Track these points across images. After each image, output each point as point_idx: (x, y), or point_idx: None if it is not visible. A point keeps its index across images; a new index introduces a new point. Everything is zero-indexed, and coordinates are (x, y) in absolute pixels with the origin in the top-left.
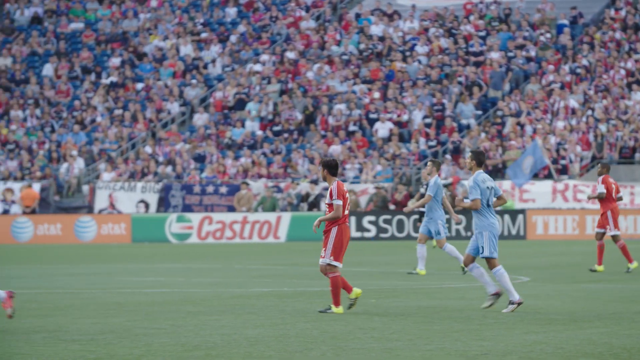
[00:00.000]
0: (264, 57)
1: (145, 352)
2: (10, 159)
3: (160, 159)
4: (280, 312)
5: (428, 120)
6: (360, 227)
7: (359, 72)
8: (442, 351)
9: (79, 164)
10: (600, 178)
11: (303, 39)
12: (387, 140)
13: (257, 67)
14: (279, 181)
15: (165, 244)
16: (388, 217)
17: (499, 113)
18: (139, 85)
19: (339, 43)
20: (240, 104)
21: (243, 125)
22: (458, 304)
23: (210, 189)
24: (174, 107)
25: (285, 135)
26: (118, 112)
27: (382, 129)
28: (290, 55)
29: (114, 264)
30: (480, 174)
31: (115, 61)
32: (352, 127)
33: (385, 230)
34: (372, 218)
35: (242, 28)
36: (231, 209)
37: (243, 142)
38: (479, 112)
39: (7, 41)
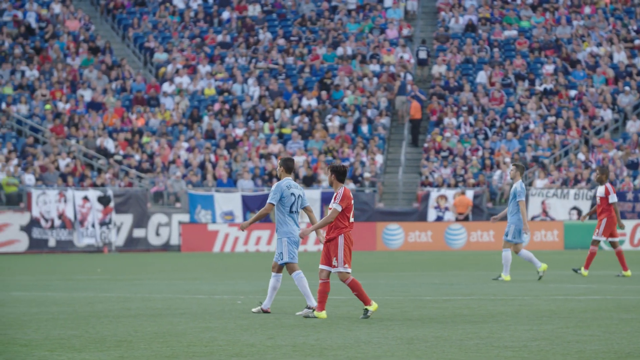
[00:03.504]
0: None
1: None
2: (444, 166)
3: (593, 165)
4: None
5: None
6: None
7: None
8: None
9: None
10: (609, 186)
11: None
12: None
13: None
14: None
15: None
16: None
17: None
18: (572, 93)
19: None
20: None
21: None
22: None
23: None
24: (607, 114)
25: None
26: (551, 119)
27: None
28: None
29: (547, 271)
30: (287, 180)
31: (548, 68)
32: None
33: None
34: None
35: None
36: None
37: None
38: None
39: (442, 49)
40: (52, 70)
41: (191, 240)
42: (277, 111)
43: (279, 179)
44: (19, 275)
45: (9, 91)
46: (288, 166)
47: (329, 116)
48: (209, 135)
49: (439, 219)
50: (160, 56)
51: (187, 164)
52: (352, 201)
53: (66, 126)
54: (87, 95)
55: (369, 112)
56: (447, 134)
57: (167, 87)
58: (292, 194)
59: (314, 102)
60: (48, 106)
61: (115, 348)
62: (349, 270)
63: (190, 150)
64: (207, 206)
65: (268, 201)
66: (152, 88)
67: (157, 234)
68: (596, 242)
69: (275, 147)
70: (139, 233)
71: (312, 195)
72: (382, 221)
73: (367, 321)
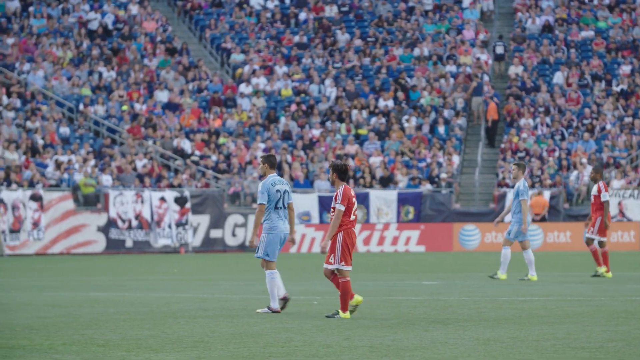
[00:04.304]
0: None
1: None
2: None
3: None
4: None
5: None
6: None
7: None
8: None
9: (588, 171)
10: (602, 184)
11: None
12: None
13: None
14: None
15: None
16: None
17: None
18: None
19: None
20: None
21: None
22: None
23: None
24: None
25: None
26: (628, 119)
27: None
28: None
29: (624, 272)
30: (272, 177)
31: (625, 69)
32: None
33: None
34: None
35: None
36: None
37: None
38: None
39: (519, 49)
40: (130, 72)
41: None
42: (354, 112)
43: (263, 177)
44: (96, 275)
45: (86, 92)
46: (272, 162)
47: (405, 117)
48: (286, 136)
49: None
50: (237, 57)
51: None
52: (354, 199)
53: (143, 127)
54: (164, 96)
55: (446, 113)
56: (524, 135)
57: (244, 88)
58: (278, 190)
59: (390, 103)
60: (125, 107)
61: (192, 348)
62: (347, 268)
63: (267, 150)
64: None
65: (258, 202)
66: (229, 89)
67: (234, 234)
68: (591, 241)
69: (352, 148)
70: (215, 234)
71: (389, 196)
72: (459, 222)
73: (444, 322)
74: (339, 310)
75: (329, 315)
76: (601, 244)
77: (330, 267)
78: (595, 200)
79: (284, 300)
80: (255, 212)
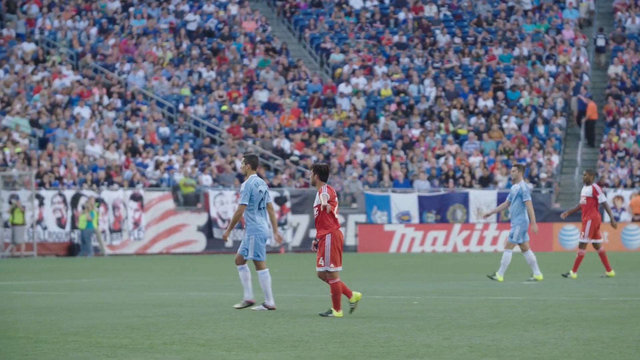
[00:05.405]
0: None
1: None
2: (621, 167)
3: None
4: None
5: None
6: None
7: None
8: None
9: None
10: (597, 186)
11: None
12: None
13: None
14: None
15: None
16: None
17: None
18: None
19: None
20: None
21: None
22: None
23: None
24: None
25: None
26: None
27: None
28: None
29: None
30: (254, 178)
31: None
32: None
33: None
34: None
35: None
36: None
37: None
38: None
39: (619, 49)
40: (229, 71)
41: (367, 241)
42: (454, 111)
43: (244, 177)
44: (196, 275)
45: (186, 92)
46: (254, 163)
47: (504, 117)
48: (385, 135)
49: (616, 219)
50: (336, 57)
51: (363, 165)
52: (336, 198)
53: (243, 127)
54: (263, 96)
55: (545, 113)
56: (624, 135)
57: (343, 87)
58: (260, 191)
59: (490, 103)
60: (225, 107)
61: (292, 348)
62: (337, 269)
63: (366, 150)
64: (383, 207)
65: (240, 202)
66: (329, 89)
67: None
68: (584, 245)
69: (451, 148)
70: (315, 233)
71: (488, 197)
72: (558, 222)
73: (544, 322)
74: (332, 309)
75: (322, 314)
76: (596, 245)
77: (320, 269)
78: (587, 202)
79: (250, 304)
80: (235, 211)
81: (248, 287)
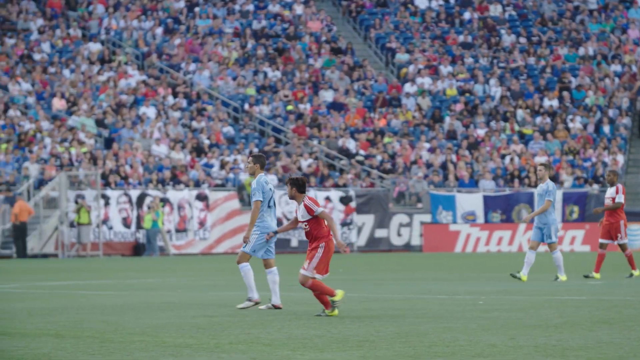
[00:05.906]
0: None
1: None
2: None
3: None
4: None
5: None
6: None
7: None
8: None
9: None
10: (620, 187)
11: None
12: None
13: None
14: None
15: None
16: None
17: None
18: None
19: None
20: None
21: None
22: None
23: None
24: None
25: None
26: None
27: None
28: None
29: None
30: (263, 176)
31: None
32: None
33: None
34: None
35: None
36: None
37: None
38: None
39: None
40: (294, 71)
41: (433, 241)
42: (519, 111)
43: (253, 175)
44: (262, 275)
45: (251, 92)
46: (263, 163)
47: (570, 116)
48: (451, 135)
49: None
50: (401, 57)
51: (428, 165)
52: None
53: (308, 127)
54: (329, 95)
55: (610, 112)
56: None
57: (408, 87)
58: (270, 189)
59: (555, 103)
60: (290, 107)
61: (357, 348)
62: (319, 276)
63: (431, 150)
64: (448, 206)
65: (255, 199)
66: (394, 88)
67: (399, 234)
68: (625, 246)
69: (516, 147)
70: (380, 233)
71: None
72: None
73: (609, 322)
74: (325, 310)
75: (319, 314)
76: (623, 246)
77: (303, 272)
78: (612, 203)
79: (256, 303)
80: (252, 210)
81: (252, 286)
